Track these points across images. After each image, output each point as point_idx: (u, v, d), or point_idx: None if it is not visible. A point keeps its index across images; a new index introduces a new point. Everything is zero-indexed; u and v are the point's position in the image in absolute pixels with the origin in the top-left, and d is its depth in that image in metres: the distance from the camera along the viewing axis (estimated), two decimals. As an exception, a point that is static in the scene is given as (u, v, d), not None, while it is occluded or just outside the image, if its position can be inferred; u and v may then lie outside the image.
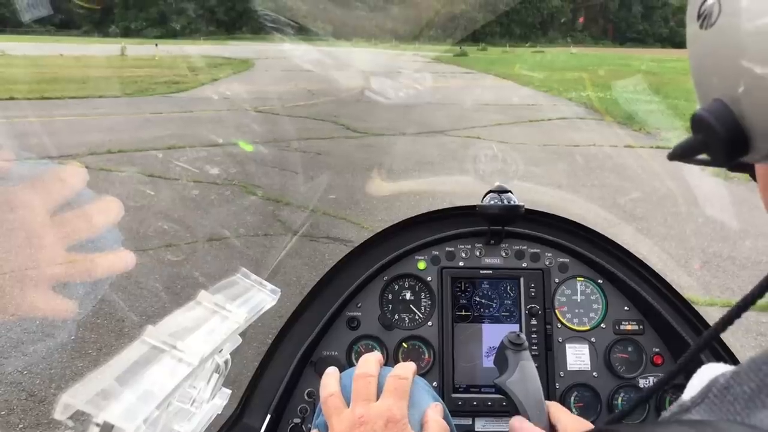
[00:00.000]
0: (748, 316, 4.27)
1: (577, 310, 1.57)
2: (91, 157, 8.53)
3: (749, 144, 0.48)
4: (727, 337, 1.09)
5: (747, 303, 0.56)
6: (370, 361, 1.04)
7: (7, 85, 15.62)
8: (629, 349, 1.54)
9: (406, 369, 1.02)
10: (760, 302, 0.57)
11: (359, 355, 1.55)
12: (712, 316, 0.62)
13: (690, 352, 0.65)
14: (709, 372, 0.51)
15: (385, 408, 0.94)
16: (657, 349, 1.54)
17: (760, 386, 0.43)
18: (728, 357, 1.43)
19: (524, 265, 1.60)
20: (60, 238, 0.67)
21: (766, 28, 0.44)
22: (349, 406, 0.97)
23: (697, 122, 0.52)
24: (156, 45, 32.96)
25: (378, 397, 0.98)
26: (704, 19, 0.51)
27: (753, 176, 0.61)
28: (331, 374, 1.07)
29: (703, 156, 0.55)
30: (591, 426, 1.02)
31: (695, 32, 0.53)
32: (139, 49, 30.21)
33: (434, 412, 1.02)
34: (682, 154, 0.57)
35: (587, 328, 1.56)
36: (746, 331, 4.08)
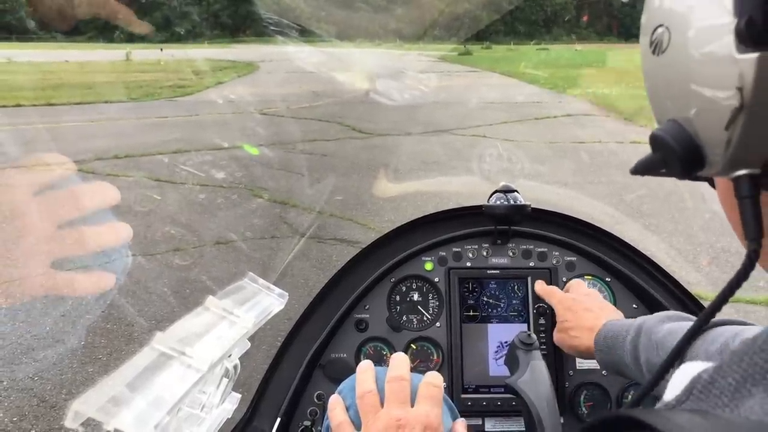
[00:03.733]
0: (757, 311, 4.24)
1: (585, 309, 1.57)
2: (97, 162, 8.57)
3: (704, 160, 0.53)
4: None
5: (732, 288, 0.60)
6: (403, 363, 1.04)
7: (13, 92, 15.69)
8: (638, 346, 1.54)
9: (439, 378, 1.02)
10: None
11: (368, 357, 1.55)
12: (722, 311, 0.64)
13: (683, 340, 0.70)
14: (689, 370, 0.52)
15: (423, 414, 0.94)
16: (666, 347, 1.53)
17: (744, 377, 0.44)
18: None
19: (531, 264, 1.60)
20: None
21: (713, 55, 0.48)
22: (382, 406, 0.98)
23: (654, 141, 0.57)
24: (161, 49, 33.04)
25: (412, 402, 0.98)
26: (656, 46, 0.56)
27: (711, 184, 0.66)
28: (367, 370, 1.06)
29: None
30: None
31: (648, 57, 0.58)
32: (143, 53, 30.30)
33: (461, 427, 1.03)
34: (644, 170, 0.61)
35: (596, 326, 1.55)
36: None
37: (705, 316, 0.66)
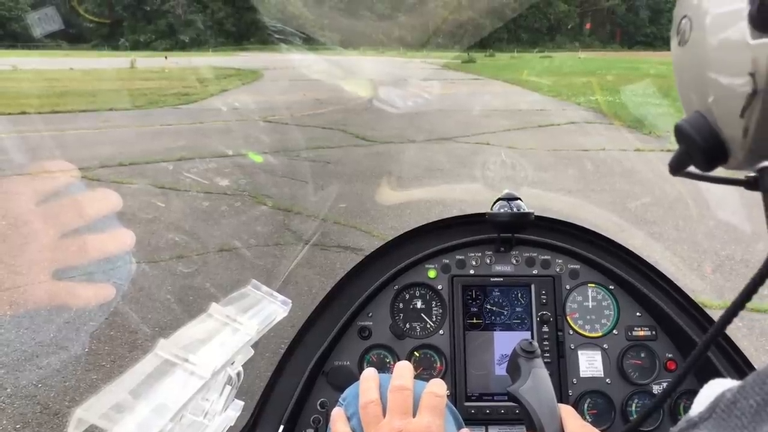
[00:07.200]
0: (765, 318, 4.22)
1: (588, 317, 1.56)
2: (102, 169, 8.59)
3: (727, 152, 0.52)
4: (741, 339, 1.08)
5: (743, 300, 0.58)
6: (406, 372, 1.03)
7: (18, 100, 15.77)
8: (642, 355, 1.53)
9: (442, 387, 1.02)
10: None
11: (371, 364, 1.55)
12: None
13: (693, 357, 0.67)
14: (717, 387, 0.51)
15: (424, 424, 0.94)
16: (670, 355, 1.52)
17: (765, 400, 0.43)
18: (738, 358, 1.42)
19: (535, 272, 1.60)
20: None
21: (727, 41, 0.47)
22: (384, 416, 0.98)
23: (678, 133, 0.55)
24: (165, 57, 33.22)
25: (414, 411, 0.98)
26: (681, 36, 0.55)
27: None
28: (370, 378, 1.06)
29: (713, 174, 0.58)
30: None
31: (675, 49, 0.57)
32: (148, 61, 30.45)
33: None
34: (676, 166, 0.60)
35: (599, 334, 1.55)
36: (761, 333, 4.04)
37: (720, 324, 0.63)
